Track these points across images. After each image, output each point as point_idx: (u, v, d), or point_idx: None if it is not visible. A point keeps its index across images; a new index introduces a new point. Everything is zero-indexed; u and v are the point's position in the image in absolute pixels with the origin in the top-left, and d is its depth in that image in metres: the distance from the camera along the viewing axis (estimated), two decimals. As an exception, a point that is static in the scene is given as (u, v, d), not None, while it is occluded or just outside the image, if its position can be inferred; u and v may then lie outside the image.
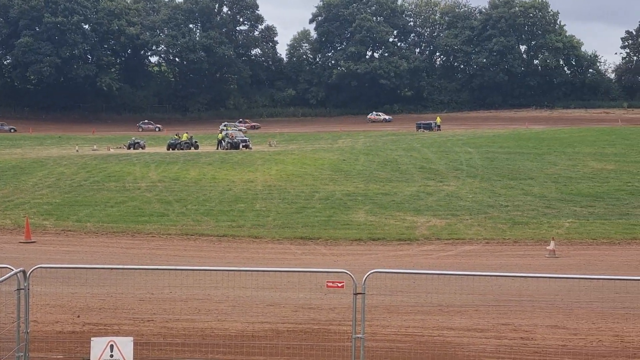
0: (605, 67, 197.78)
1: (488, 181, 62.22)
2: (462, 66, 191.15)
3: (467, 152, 77.29)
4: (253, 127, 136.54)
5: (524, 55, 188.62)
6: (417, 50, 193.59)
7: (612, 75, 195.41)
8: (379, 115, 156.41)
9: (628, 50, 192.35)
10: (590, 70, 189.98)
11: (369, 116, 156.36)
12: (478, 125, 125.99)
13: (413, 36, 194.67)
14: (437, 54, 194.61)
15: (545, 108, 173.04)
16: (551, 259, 38.58)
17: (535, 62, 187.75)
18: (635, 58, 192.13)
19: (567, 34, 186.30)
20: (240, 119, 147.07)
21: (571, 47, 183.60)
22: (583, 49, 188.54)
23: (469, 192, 58.01)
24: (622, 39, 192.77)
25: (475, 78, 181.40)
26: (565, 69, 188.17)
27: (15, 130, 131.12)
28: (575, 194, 57.26)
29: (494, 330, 22.14)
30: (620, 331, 21.86)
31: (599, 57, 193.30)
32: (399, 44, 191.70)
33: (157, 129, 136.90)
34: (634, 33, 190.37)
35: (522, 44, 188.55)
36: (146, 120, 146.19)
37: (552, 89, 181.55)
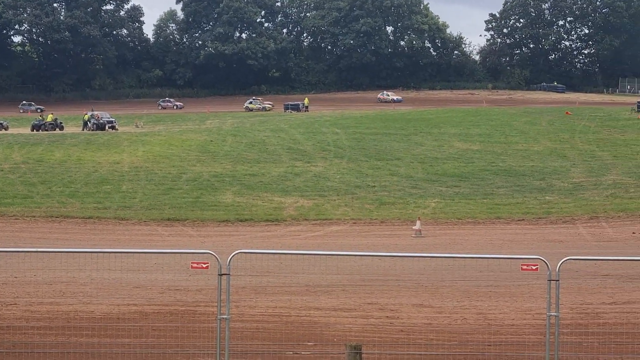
0: (470, 49, 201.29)
1: (355, 162, 62.67)
2: (329, 47, 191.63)
3: (335, 133, 77.66)
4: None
5: (391, 37, 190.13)
6: (285, 31, 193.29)
7: (477, 57, 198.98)
8: (388, 95, 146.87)
9: (492, 33, 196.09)
10: (456, 52, 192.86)
11: (378, 96, 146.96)
12: (345, 106, 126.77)
13: (281, 17, 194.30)
14: (305, 34, 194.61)
15: (411, 89, 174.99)
16: (417, 239, 39.09)
17: (402, 43, 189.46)
18: (499, 40, 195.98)
19: (433, 16, 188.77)
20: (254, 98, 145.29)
21: (437, 29, 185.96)
22: (448, 31, 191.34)
23: (336, 173, 58.33)
24: (486, 21, 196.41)
25: (342, 59, 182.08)
26: (431, 50, 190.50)
27: None
28: (441, 174, 58.16)
29: (361, 310, 22.23)
30: (484, 309, 22.21)
31: (464, 39, 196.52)
32: (266, 24, 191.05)
33: (38, 110, 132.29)
34: (498, 15, 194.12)
35: (389, 26, 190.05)
36: (24, 102, 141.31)
37: (418, 70, 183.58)
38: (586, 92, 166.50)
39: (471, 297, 23.64)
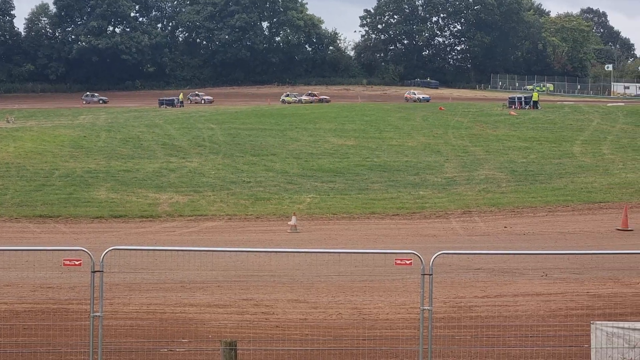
0: (345, 44, 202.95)
1: (231, 157, 62.44)
2: (204, 42, 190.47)
3: (210, 128, 77.20)
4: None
5: (266, 32, 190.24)
6: (160, 25, 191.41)
7: (352, 53, 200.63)
8: (414, 93, 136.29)
9: (367, 29, 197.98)
10: (331, 47, 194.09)
11: (405, 95, 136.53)
12: (221, 101, 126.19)
13: (155, 11, 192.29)
14: (180, 29, 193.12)
15: (287, 84, 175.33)
16: (293, 234, 39.14)
17: (277, 39, 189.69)
18: (373, 36, 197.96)
19: (308, 12, 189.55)
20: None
21: (312, 25, 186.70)
22: (323, 26, 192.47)
23: (211, 169, 58.03)
24: (360, 17, 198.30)
25: (217, 54, 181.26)
26: (307, 46, 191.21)
27: None
28: (316, 169, 58.39)
29: (236, 306, 22.16)
30: (359, 304, 22.37)
31: (339, 35, 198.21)
32: (140, 19, 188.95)
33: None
34: (372, 12, 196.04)
35: (264, 21, 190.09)
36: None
37: (293, 65, 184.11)
38: (459, 88, 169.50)
39: (346, 292, 23.79)
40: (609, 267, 27.39)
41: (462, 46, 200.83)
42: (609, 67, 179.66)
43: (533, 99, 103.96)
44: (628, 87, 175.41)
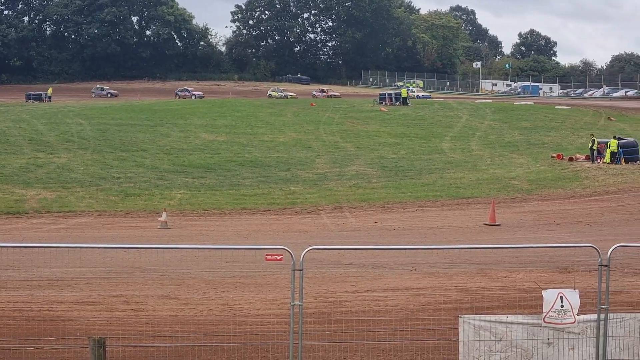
0: (217, 40, 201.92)
1: (100, 153, 61.48)
2: (73, 36, 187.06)
3: (79, 123, 75.82)
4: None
5: (136, 27, 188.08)
6: (26, 19, 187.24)
7: (223, 49, 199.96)
8: (413, 91, 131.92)
9: (238, 24, 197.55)
10: (202, 43, 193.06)
11: (410, 93, 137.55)
12: (90, 96, 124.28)
13: (21, 4, 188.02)
14: (47, 23, 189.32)
15: (157, 80, 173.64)
16: (163, 230, 38.74)
17: (148, 33, 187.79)
18: (245, 32, 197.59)
19: (179, 7, 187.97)
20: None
21: (182, 20, 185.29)
22: (194, 22, 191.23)
23: (80, 164, 57.02)
24: (231, 12, 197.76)
25: (86, 49, 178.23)
26: (177, 41, 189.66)
27: None
28: (187, 165, 57.97)
29: (105, 303, 21.79)
30: (230, 300, 22.26)
31: (210, 30, 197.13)
32: (6, 12, 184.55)
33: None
34: (244, 7, 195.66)
35: (134, 15, 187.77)
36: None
37: (164, 60, 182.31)
38: (330, 84, 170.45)
39: (217, 288, 23.64)
40: (476, 262, 27.90)
41: (334, 42, 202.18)
42: (478, 65, 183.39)
43: (403, 95, 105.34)
44: (496, 84, 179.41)
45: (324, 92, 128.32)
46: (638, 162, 61.68)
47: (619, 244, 15.07)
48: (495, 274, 26.28)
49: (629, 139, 65.98)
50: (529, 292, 22.19)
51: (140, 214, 44.09)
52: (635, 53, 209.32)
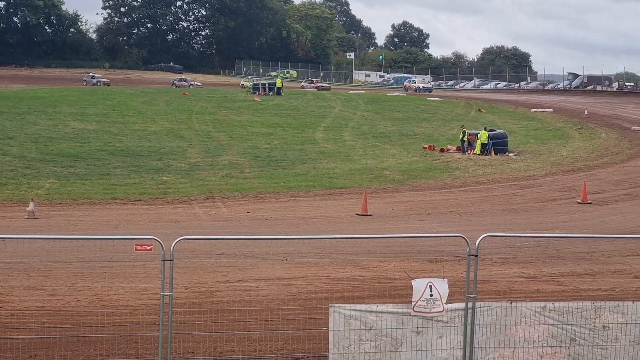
0: (87, 27, 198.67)
1: (-35, 141, 59.77)
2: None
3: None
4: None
5: (3, 12, 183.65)
6: None
7: (94, 36, 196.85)
8: (414, 82, 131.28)
9: (109, 11, 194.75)
10: (72, 29, 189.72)
11: (405, 83, 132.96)
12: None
13: None
14: None
15: (25, 66, 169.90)
16: (31, 220, 37.81)
17: (15, 19, 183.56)
18: (116, 19, 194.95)
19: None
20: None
21: (52, 6, 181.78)
22: (64, 7, 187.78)
23: (-56, 152, 55.34)
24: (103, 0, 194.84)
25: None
26: (46, 27, 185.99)
27: None
28: (56, 154, 56.76)
29: (-33, 295, 21.18)
30: (99, 290, 21.88)
31: (80, 17, 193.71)
32: None
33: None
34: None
35: (1, 0, 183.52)
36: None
37: (32, 47, 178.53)
38: (204, 73, 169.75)
39: (86, 278, 23.21)
40: (348, 252, 28.04)
41: (207, 31, 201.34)
42: (351, 55, 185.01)
43: (277, 85, 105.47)
44: (369, 75, 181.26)
45: (313, 82, 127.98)
46: (507, 153, 63.06)
47: (486, 234, 15.28)
48: (366, 263, 26.46)
49: (499, 131, 67.41)
50: (399, 281, 22.40)
51: (7, 204, 42.92)
52: (505, 46, 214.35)
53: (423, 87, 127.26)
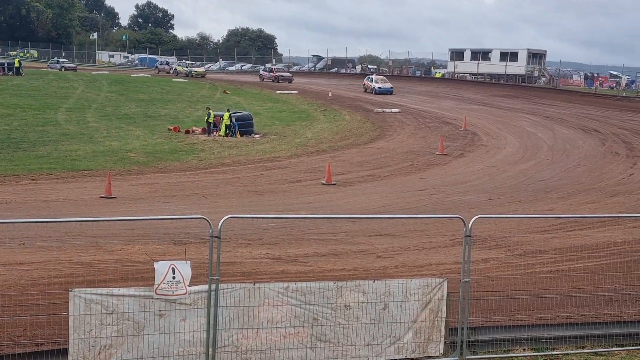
0: None
1: None
2: None
3: None
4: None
5: None
6: None
7: None
8: (372, 81, 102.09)
9: None
10: None
11: (365, 82, 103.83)
12: None
13: None
14: None
15: None
16: None
17: None
18: None
19: None
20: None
21: None
22: None
23: None
24: None
25: None
26: None
27: None
28: None
29: None
30: None
31: None
32: None
33: None
34: None
35: None
36: None
37: None
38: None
39: None
40: (91, 235, 27.41)
41: None
42: (94, 36, 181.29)
43: (15, 65, 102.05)
44: (113, 56, 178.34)
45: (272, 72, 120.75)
46: (253, 135, 63.60)
47: (229, 216, 15.28)
48: (110, 247, 26.02)
49: (244, 112, 67.88)
50: (143, 264, 22.09)
51: None
52: (250, 28, 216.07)
53: (380, 87, 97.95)
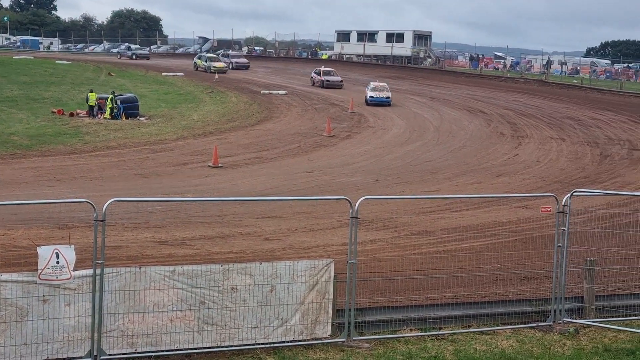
0: None
1: None
2: None
3: None
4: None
5: None
6: None
7: None
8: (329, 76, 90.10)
9: None
10: None
11: (313, 75, 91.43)
12: None
13: None
14: None
15: None
16: None
17: None
18: None
19: None
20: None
21: None
22: None
23: None
24: None
25: None
26: None
27: None
28: None
29: None
30: None
31: None
32: None
33: None
34: None
35: None
36: None
37: None
38: None
39: None
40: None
41: None
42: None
43: None
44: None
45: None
46: (139, 117, 62.89)
47: (114, 199, 15.07)
48: (-7, 232, 25.50)
49: (129, 95, 67.11)
50: (27, 249, 21.71)
51: None
52: (134, 9, 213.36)
53: (375, 97, 75.66)
